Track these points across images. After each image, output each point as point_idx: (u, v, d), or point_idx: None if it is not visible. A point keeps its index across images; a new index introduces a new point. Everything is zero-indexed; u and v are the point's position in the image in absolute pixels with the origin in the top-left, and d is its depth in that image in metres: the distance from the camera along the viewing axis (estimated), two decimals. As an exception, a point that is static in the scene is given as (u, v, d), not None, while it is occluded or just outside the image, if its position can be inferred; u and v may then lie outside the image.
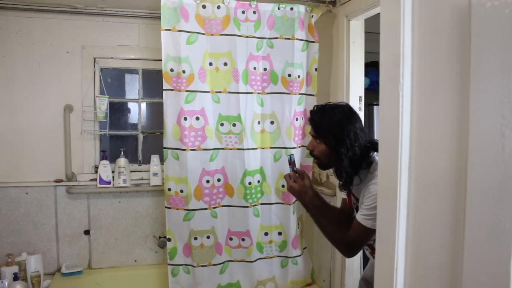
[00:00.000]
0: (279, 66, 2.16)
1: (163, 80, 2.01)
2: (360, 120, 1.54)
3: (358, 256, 2.21)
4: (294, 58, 2.15)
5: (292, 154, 1.72)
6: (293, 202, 2.22)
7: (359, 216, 1.43)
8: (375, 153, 1.48)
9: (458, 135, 0.71)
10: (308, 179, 1.63)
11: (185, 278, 2.15)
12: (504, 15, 0.59)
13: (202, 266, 2.11)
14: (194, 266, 2.11)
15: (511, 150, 0.58)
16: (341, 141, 1.46)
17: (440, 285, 0.76)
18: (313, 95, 2.24)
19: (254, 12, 2.11)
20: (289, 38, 2.15)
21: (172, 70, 2.01)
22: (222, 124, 2.13)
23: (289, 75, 2.15)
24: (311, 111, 1.57)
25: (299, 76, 2.17)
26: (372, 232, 1.40)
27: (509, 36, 0.59)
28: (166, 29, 1.98)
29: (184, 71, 2.00)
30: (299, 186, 1.59)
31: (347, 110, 1.54)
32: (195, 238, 2.10)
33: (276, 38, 2.15)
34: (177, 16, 1.98)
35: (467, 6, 0.66)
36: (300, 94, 2.19)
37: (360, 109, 2.17)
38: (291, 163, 1.64)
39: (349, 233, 1.48)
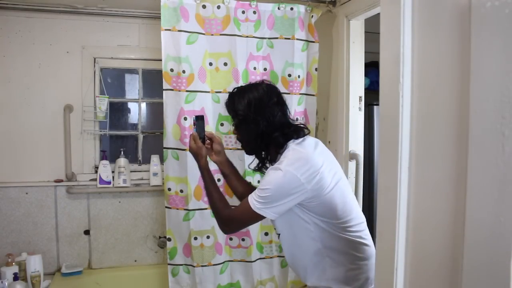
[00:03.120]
0: (279, 66, 2.16)
1: (163, 80, 2.01)
2: (281, 102, 1.46)
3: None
4: (294, 58, 2.15)
5: (198, 116, 1.65)
6: None
7: (251, 196, 1.38)
8: (294, 140, 1.42)
9: (458, 135, 0.71)
10: (219, 144, 1.63)
11: (185, 278, 2.15)
12: (504, 15, 0.59)
13: (202, 266, 2.11)
14: (194, 266, 2.11)
15: (511, 150, 0.58)
16: (251, 122, 1.42)
17: (440, 285, 0.76)
18: (313, 95, 2.24)
19: (254, 12, 2.11)
20: (289, 38, 2.15)
21: (172, 70, 2.01)
22: (222, 124, 2.13)
23: (289, 75, 2.15)
24: (229, 94, 1.53)
25: (299, 76, 2.17)
26: (257, 217, 1.36)
27: (509, 36, 0.59)
28: (166, 29, 1.98)
29: (184, 71, 2.00)
30: (196, 148, 1.57)
31: (261, 90, 1.46)
32: (195, 238, 2.10)
33: (276, 38, 2.15)
34: (177, 16, 1.98)
35: (467, 6, 0.66)
36: (300, 94, 2.19)
37: (360, 109, 2.17)
38: (195, 123, 1.61)
39: (234, 208, 1.46)
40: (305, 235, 1.42)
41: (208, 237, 2.11)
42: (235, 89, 1.52)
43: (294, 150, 1.38)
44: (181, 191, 2.08)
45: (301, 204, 1.37)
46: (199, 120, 1.61)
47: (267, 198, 1.34)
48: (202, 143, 1.58)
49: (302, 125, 1.50)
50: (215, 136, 1.67)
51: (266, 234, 2.23)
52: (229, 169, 1.68)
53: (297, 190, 1.32)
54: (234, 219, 1.47)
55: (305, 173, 1.32)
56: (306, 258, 1.44)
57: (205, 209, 2.11)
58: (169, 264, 2.14)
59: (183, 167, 2.06)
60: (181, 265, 2.14)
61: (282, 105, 1.46)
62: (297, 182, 1.31)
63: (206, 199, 2.10)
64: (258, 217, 1.38)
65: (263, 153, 1.50)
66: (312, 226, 1.40)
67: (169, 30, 1.98)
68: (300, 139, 1.43)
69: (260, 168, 1.55)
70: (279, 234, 1.50)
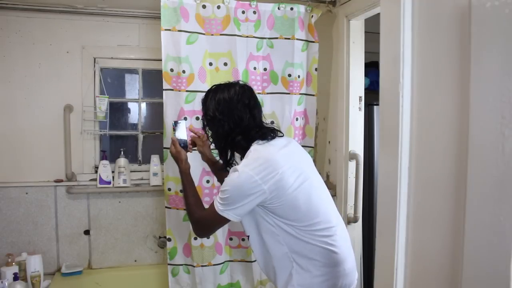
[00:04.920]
0: (279, 66, 2.16)
1: (163, 80, 2.01)
2: (251, 104, 1.44)
3: (358, 256, 2.21)
4: (294, 58, 2.15)
5: (178, 121, 1.68)
6: None
7: (215, 198, 1.39)
8: (258, 141, 1.41)
9: (458, 135, 0.71)
10: (201, 146, 1.68)
11: (185, 278, 2.15)
12: (504, 15, 0.59)
13: (202, 266, 2.11)
14: (194, 266, 2.11)
15: (511, 150, 0.58)
16: (217, 122, 1.42)
17: (440, 285, 0.76)
18: (313, 95, 2.24)
19: (254, 12, 2.11)
20: (289, 38, 2.15)
21: (172, 70, 2.01)
22: None
23: (289, 75, 2.15)
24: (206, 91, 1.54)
25: (299, 76, 2.17)
26: (221, 220, 1.36)
27: (509, 36, 0.59)
28: (166, 29, 1.98)
29: (184, 71, 2.00)
30: (175, 152, 1.60)
31: (233, 91, 1.44)
32: (195, 238, 2.10)
33: (276, 38, 2.15)
34: (177, 16, 1.98)
35: (467, 6, 0.66)
36: (300, 94, 2.19)
37: (360, 109, 2.17)
38: (174, 129, 1.63)
39: (204, 211, 1.46)
40: (272, 238, 1.40)
41: (208, 237, 2.11)
42: (213, 87, 1.52)
43: (254, 150, 1.37)
44: (181, 191, 2.08)
45: (263, 205, 1.35)
46: (179, 124, 1.62)
47: (227, 199, 1.34)
48: (181, 147, 1.59)
49: (273, 128, 1.48)
50: (197, 138, 1.69)
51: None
52: (216, 168, 1.70)
53: (254, 190, 1.31)
54: (203, 222, 1.46)
55: (261, 173, 1.30)
56: (274, 262, 1.42)
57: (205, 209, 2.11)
58: (169, 264, 2.14)
59: None
60: (181, 265, 2.14)
61: (253, 108, 1.45)
62: (254, 182, 1.30)
63: (206, 199, 2.10)
64: (222, 220, 1.37)
65: (229, 154, 1.49)
66: (277, 229, 1.38)
67: (169, 30, 1.98)
68: (264, 141, 1.41)
69: (225, 169, 1.54)
70: (248, 236, 1.48)
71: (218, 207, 1.35)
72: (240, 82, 1.51)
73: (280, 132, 1.49)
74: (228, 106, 1.42)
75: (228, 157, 1.48)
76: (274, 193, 1.32)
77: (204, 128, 1.53)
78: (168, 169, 2.07)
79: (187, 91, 2.02)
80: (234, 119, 1.41)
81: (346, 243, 1.46)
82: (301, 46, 2.17)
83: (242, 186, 1.31)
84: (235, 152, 1.50)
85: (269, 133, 1.44)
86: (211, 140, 1.54)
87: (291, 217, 1.36)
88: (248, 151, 1.39)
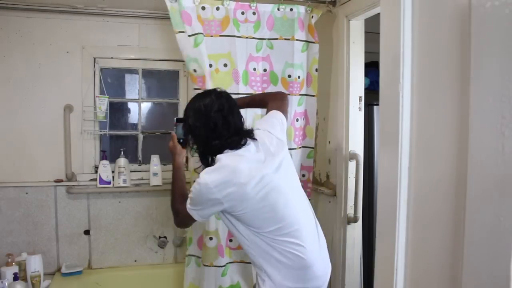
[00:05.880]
0: (279, 67, 2.16)
1: (191, 80, 2.03)
2: (225, 112, 1.47)
3: (358, 256, 2.21)
4: (294, 59, 2.15)
5: (178, 118, 1.72)
6: None
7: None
8: (228, 150, 1.44)
9: (458, 135, 0.71)
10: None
11: (194, 270, 2.16)
12: (504, 15, 0.59)
13: (205, 265, 2.12)
14: (204, 265, 2.14)
15: (511, 150, 0.58)
16: (192, 129, 1.48)
17: (440, 285, 0.76)
18: (313, 95, 2.24)
19: (254, 13, 2.11)
20: (288, 39, 2.14)
21: (195, 70, 2.01)
22: None
23: (289, 76, 2.15)
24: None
25: (299, 77, 2.17)
26: (189, 216, 1.43)
27: (509, 36, 0.59)
28: (179, 31, 1.98)
29: (195, 70, 2.01)
30: (172, 147, 1.66)
31: (208, 99, 1.48)
32: (211, 238, 2.12)
33: (276, 39, 2.15)
34: (181, 20, 1.99)
35: (467, 6, 0.66)
36: (300, 95, 2.18)
37: (360, 109, 2.17)
38: (176, 125, 1.69)
39: (183, 205, 1.51)
40: (244, 243, 1.47)
41: (210, 238, 2.12)
42: (194, 96, 1.58)
43: (219, 160, 1.41)
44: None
45: (227, 212, 1.41)
46: (179, 122, 1.67)
47: (192, 199, 1.41)
48: (179, 143, 1.65)
49: (250, 132, 1.51)
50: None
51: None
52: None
53: (210, 198, 1.37)
54: (180, 214, 1.51)
55: (218, 184, 1.35)
56: (252, 266, 1.49)
57: None
58: (187, 255, 2.15)
59: None
60: (194, 256, 2.16)
61: (227, 114, 1.48)
62: (209, 190, 1.35)
63: None
64: (191, 217, 1.44)
65: (209, 159, 1.52)
66: (246, 235, 1.44)
67: (182, 32, 1.98)
68: (233, 150, 1.44)
69: None
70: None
71: (188, 205, 1.43)
72: (217, 90, 1.56)
73: (251, 138, 1.50)
74: (201, 113, 1.46)
75: (209, 162, 1.52)
76: (231, 203, 1.37)
77: (185, 135, 1.59)
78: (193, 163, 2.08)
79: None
80: (210, 126, 1.45)
81: (315, 245, 1.47)
82: (301, 47, 2.17)
83: (199, 192, 1.37)
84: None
85: (242, 139, 1.47)
86: (192, 147, 1.58)
87: (255, 225, 1.41)
88: (216, 158, 1.44)
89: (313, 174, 2.35)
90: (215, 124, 1.44)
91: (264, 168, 1.42)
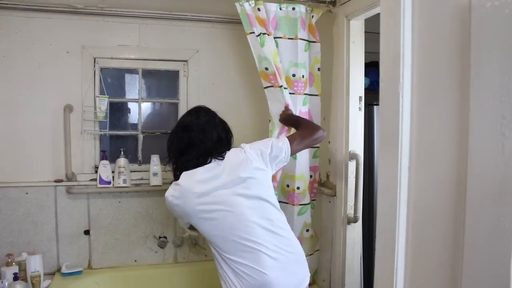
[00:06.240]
0: (283, 66, 2.16)
1: (262, 79, 2.08)
2: (180, 132, 1.61)
3: (358, 256, 2.21)
4: (298, 58, 2.15)
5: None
6: (298, 204, 2.21)
7: None
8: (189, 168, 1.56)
9: (458, 135, 0.71)
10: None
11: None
12: (504, 15, 0.59)
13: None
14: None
15: (511, 150, 0.58)
16: (169, 144, 1.65)
17: (440, 285, 0.76)
18: (316, 95, 2.24)
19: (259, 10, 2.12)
20: (292, 38, 2.15)
21: (267, 68, 2.04)
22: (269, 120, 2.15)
23: (294, 75, 2.15)
24: None
25: (303, 76, 2.17)
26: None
27: (509, 36, 0.59)
28: (250, 33, 2.05)
29: (267, 68, 2.05)
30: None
31: (182, 116, 1.69)
32: (307, 230, 2.18)
33: (280, 37, 2.15)
34: (249, 22, 2.05)
35: (467, 6, 0.66)
36: (304, 94, 2.19)
37: (360, 109, 2.17)
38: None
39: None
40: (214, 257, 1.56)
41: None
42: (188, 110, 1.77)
43: (180, 177, 1.55)
44: (298, 188, 2.16)
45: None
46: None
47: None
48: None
49: (218, 155, 1.57)
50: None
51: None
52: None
53: (172, 209, 1.57)
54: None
55: (172, 199, 1.53)
56: None
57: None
58: None
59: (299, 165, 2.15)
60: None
61: (194, 136, 1.58)
62: (169, 203, 1.55)
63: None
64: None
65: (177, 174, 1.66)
66: (212, 249, 1.54)
67: (252, 33, 2.04)
68: (190, 170, 1.54)
69: None
70: None
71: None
72: (202, 109, 1.68)
73: (220, 156, 1.57)
74: (176, 129, 1.64)
75: (176, 177, 1.63)
76: (186, 220, 1.55)
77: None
78: (286, 167, 2.08)
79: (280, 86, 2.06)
80: (168, 144, 1.65)
81: (278, 264, 1.45)
82: (304, 46, 2.17)
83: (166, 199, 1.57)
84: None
85: (208, 158, 1.55)
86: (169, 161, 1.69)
87: (211, 240, 1.52)
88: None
89: (319, 175, 2.35)
90: (171, 143, 1.63)
91: (219, 184, 1.50)
